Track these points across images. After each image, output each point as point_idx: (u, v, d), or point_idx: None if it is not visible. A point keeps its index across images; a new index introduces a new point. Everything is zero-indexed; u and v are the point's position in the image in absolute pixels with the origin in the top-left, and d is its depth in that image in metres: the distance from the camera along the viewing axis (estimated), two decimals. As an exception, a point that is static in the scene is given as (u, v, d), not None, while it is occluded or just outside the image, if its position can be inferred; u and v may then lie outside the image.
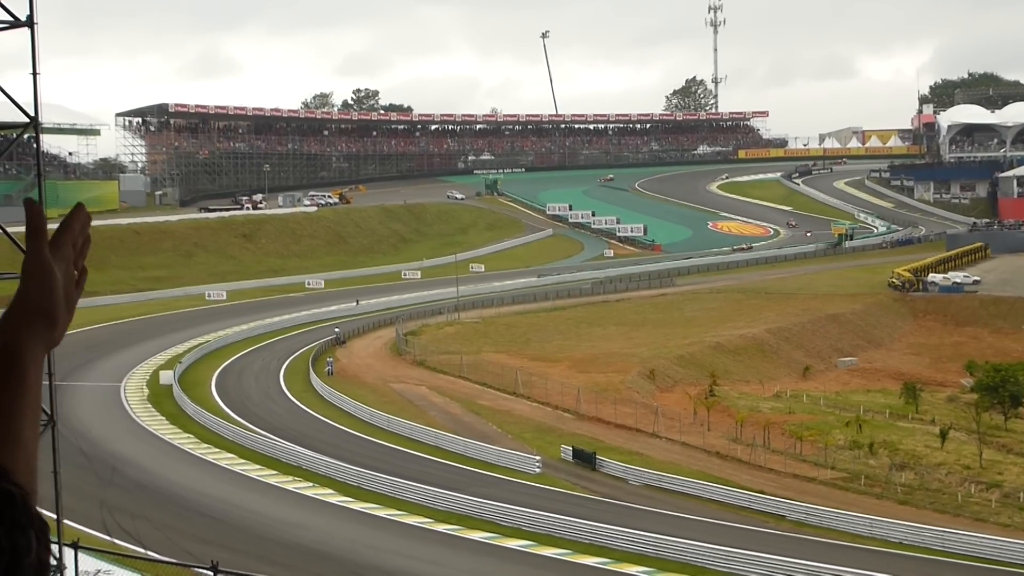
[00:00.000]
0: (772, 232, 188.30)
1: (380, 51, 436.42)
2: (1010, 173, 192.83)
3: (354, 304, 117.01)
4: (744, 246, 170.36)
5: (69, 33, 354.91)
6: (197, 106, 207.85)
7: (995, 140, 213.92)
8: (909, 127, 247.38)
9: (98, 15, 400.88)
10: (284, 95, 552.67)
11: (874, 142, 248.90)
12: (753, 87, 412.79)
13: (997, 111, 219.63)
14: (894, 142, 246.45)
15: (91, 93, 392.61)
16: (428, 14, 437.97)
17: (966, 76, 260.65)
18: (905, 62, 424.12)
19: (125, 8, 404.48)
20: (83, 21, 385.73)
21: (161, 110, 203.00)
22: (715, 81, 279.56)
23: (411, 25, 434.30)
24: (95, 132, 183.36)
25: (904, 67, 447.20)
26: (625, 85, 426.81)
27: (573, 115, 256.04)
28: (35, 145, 23.23)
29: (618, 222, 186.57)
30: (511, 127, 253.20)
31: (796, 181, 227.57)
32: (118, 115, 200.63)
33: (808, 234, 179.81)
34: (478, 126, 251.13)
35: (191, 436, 63.88)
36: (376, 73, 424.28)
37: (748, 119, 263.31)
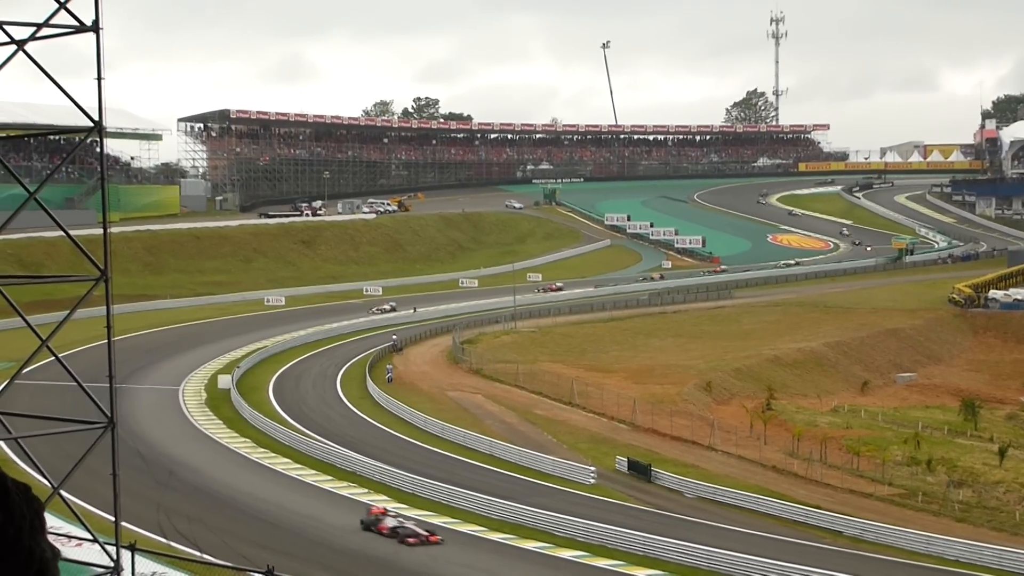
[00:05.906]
0: (832, 246, 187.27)
1: (462, 58, 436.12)
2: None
3: (411, 311, 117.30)
4: (793, 261, 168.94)
5: (154, 36, 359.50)
6: (258, 112, 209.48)
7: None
8: (971, 142, 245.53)
9: (186, 18, 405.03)
10: (360, 101, 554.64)
11: (936, 156, 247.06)
12: (830, 98, 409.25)
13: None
14: (956, 157, 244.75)
15: (166, 97, 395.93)
16: (515, 23, 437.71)
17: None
18: (987, 76, 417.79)
19: (212, 14, 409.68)
20: (169, 25, 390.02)
21: (223, 116, 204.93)
22: (776, 93, 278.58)
23: (496, 33, 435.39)
24: (157, 137, 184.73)
25: (987, 81, 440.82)
26: (703, 95, 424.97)
27: (632, 126, 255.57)
28: (99, 149, 23.45)
29: (676, 233, 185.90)
30: (570, 137, 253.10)
31: (857, 195, 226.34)
32: (180, 120, 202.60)
33: (868, 248, 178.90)
34: (537, 135, 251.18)
35: (248, 440, 64.24)
36: (455, 81, 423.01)
37: (809, 132, 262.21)
